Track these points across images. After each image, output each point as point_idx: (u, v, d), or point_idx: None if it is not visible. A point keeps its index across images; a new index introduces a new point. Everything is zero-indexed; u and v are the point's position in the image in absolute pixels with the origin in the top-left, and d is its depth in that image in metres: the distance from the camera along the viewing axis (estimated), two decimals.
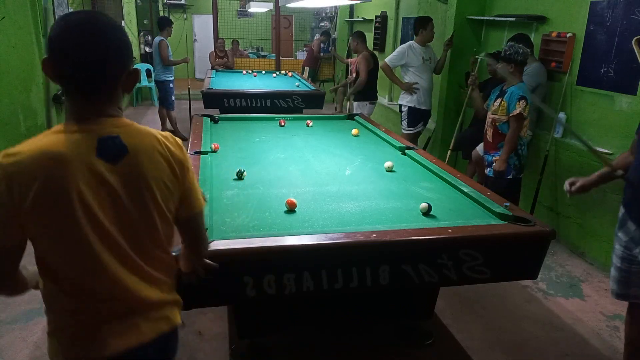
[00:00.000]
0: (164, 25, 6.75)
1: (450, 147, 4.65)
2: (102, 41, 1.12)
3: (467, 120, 5.02)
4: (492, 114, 3.57)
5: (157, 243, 1.27)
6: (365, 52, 5.72)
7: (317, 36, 10.74)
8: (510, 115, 3.38)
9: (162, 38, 6.65)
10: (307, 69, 9.72)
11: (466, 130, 4.78)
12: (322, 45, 10.14)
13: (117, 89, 1.18)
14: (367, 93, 5.76)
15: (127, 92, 1.24)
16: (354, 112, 5.22)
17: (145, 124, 1.29)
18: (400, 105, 5.21)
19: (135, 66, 1.21)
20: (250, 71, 7.91)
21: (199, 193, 1.34)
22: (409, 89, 5.03)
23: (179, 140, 1.31)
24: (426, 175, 2.74)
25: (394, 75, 5.11)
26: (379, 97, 6.02)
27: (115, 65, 1.15)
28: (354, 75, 5.86)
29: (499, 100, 3.52)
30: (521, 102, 3.33)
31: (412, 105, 5.08)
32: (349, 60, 8.29)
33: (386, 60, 5.05)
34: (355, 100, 5.90)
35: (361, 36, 5.90)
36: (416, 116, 5.13)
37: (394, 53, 5.09)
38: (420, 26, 4.95)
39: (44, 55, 1.14)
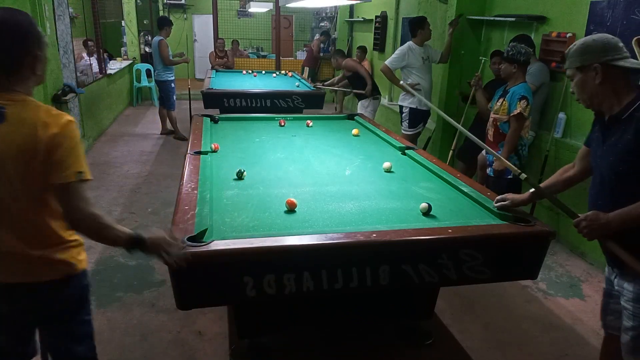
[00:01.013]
0: (163, 25, 6.75)
1: (452, 147, 4.63)
2: (4, 34, 1.39)
3: (467, 122, 5.02)
4: (494, 113, 3.58)
5: (31, 206, 1.46)
6: (347, 61, 6.19)
7: (317, 36, 10.74)
8: (511, 115, 3.38)
9: (162, 38, 6.65)
10: (306, 69, 9.73)
11: (465, 141, 4.76)
12: (322, 45, 10.14)
13: (21, 70, 1.44)
14: (364, 93, 5.83)
15: (33, 74, 1.48)
16: (358, 111, 5.25)
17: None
18: (401, 107, 5.21)
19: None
20: (250, 71, 7.92)
21: (69, 167, 1.44)
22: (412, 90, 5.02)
23: (68, 118, 1.47)
24: (426, 175, 2.74)
25: (394, 77, 5.10)
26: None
27: (16, 52, 1.41)
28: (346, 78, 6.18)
29: (500, 100, 3.53)
30: (522, 102, 3.32)
31: (414, 107, 5.08)
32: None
33: (386, 62, 5.03)
34: (359, 99, 5.96)
35: (338, 52, 6.40)
36: (417, 117, 5.13)
37: (394, 55, 5.07)
38: (418, 27, 4.95)
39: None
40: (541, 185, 2.09)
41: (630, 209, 1.64)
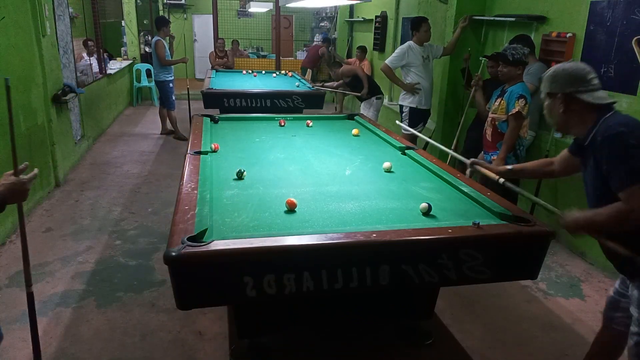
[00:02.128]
0: (161, 25, 6.75)
1: (452, 147, 4.59)
2: None
3: (467, 120, 5.01)
4: (492, 113, 3.58)
5: None
6: (344, 67, 6.31)
7: (317, 38, 10.73)
8: (509, 114, 3.38)
9: (159, 38, 6.65)
10: (309, 70, 9.73)
11: (465, 142, 4.73)
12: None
13: None
14: (370, 90, 5.85)
15: None
16: (361, 112, 5.27)
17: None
18: (401, 106, 5.21)
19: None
20: (250, 71, 7.91)
21: None
22: (412, 89, 5.02)
23: None
24: (426, 175, 2.74)
25: (395, 76, 5.10)
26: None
27: None
28: (342, 80, 6.26)
29: (498, 100, 3.53)
30: (520, 100, 3.32)
31: (414, 106, 5.08)
32: (349, 60, 8.33)
33: (386, 61, 5.03)
34: (361, 100, 5.99)
35: (335, 64, 6.53)
36: (417, 117, 5.13)
37: (394, 54, 5.07)
38: (413, 28, 4.97)
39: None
40: (522, 165, 2.28)
41: (594, 214, 1.73)
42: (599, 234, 1.77)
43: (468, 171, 2.36)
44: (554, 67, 1.84)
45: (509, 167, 2.24)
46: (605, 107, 1.76)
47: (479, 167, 2.32)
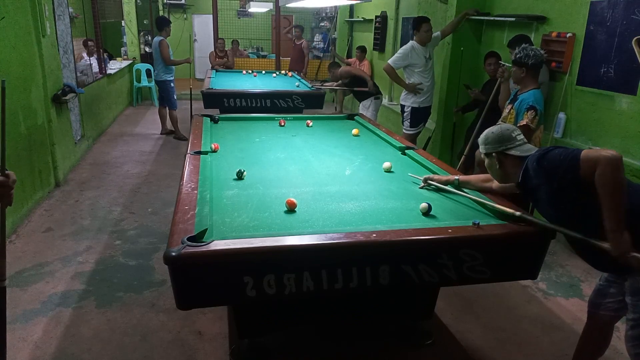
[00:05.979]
0: (163, 25, 6.76)
1: (465, 152, 4.48)
2: None
3: (466, 121, 5.02)
4: (502, 121, 3.45)
5: None
6: (342, 68, 6.36)
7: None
8: (517, 126, 3.19)
9: (162, 38, 6.66)
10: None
11: (471, 146, 4.69)
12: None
13: None
14: (368, 90, 5.86)
15: None
16: (359, 112, 5.26)
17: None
18: (403, 106, 5.20)
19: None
20: (250, 71, 7.91)
21: None
22: (414, 89, 5.02)
23: None
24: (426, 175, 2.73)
25: (397, 76, 5.09)
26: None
27: None
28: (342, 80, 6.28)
29: (509, 107, 3.43)
30: (529, 112, 3.18)
31: (416, 106, 5.08)
32: (349, 60, 8.33)
33: (389, 62, 5.02)
34: (360, 100, 5.99)
35: (333, 65, 6.56)
36: (418, 116, 5.13)
37: (397, 54, 5.06)
38: (413, 28, 4.97)
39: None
40: (467, 177, 2.47)
41: (607, 217, 1.71)
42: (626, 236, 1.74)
43: (421, 186, 2.52)
44: (485, 133, 2.12)
45: (456, 177, 2.44)
46: None
47: (431, 182, 2.50)
